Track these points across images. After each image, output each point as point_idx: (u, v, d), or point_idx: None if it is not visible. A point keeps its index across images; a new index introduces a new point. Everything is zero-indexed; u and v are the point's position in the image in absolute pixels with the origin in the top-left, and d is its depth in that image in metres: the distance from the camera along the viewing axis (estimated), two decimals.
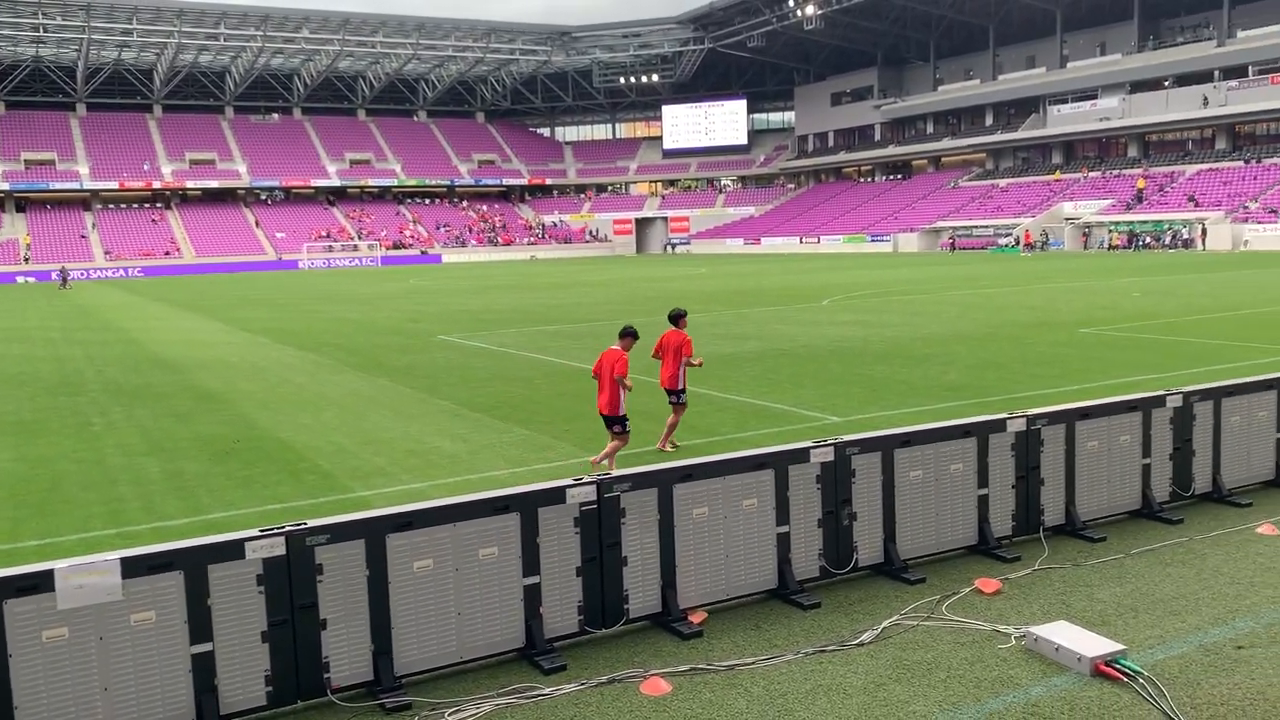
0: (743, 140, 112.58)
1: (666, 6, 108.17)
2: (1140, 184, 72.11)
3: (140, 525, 9.52)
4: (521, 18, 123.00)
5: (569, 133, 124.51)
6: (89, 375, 20.46)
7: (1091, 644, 6.02)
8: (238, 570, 5.67)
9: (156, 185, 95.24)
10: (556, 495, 6.56)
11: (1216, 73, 72.15)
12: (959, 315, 26.40)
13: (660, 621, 6.91)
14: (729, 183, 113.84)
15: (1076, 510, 8.55)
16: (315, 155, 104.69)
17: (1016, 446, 8.25)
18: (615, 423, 10.70)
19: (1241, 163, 70.04)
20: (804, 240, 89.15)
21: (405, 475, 11.08)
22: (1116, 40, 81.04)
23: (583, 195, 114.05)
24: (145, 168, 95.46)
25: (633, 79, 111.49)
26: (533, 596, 6.49)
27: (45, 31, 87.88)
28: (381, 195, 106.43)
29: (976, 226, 77.86)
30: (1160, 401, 8.96)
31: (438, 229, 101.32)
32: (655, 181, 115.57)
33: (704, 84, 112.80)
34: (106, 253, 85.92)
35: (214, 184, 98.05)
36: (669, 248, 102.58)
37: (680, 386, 11.83)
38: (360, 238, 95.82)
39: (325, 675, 5.94)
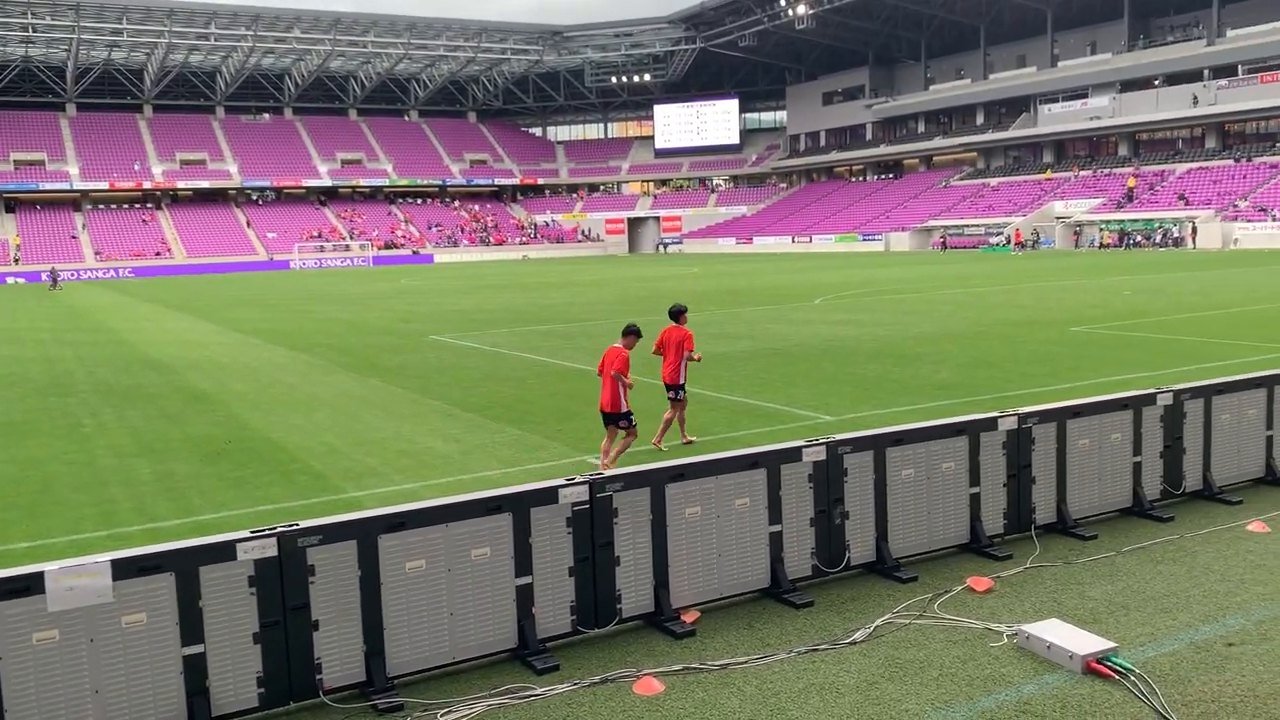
0: (735, 140, 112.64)
1: (658, 6, 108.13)
2: (1131, 183, 72.33)
3: (132, 527, 9.49)
4: (513, 17, 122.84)
5: (561, 132, 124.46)
6: (80, 376, 20.39)
7: (1083, 642, 6.04)
8: (229, 572, 5.66)
9: (147, 185, 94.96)
10: (549, 495, 6.56)
11: (1206, 72, 72.41)
12: (950, 314, 26.45)
13: (653, 621, 6.91)
14: (721, 182, 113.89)
15: (1068, 508, 8.57)
16: (306, 155, 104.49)
17: (1008, 445, 8.27)
18: (620, 419, 10.70)
19: (1231, 161, 70.30)
20: (796, 240, 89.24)
21: (397, 476, 11.06)
22: (1107, 39, 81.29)
23: (575, 195, 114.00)
24: (136, 168, 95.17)
25: (624, 78, 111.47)
26: (525, 597, 6.49)
27: (34, 31, 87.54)
28: (373, 195, 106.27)
29: (968, 225, 78.03)
30: (1151, 399, 8.99)
31: (429, 229, 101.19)
32: (647, 181, 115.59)
33: (696, 83, 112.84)
34: (97, 253, 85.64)
35: (205, 184, 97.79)
36: (661, 247, 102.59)
37: (681, 381, 11.93)
38: (352, 238, 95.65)
39: (317, 676, 5.92)
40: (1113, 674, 5.79)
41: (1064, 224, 72.30)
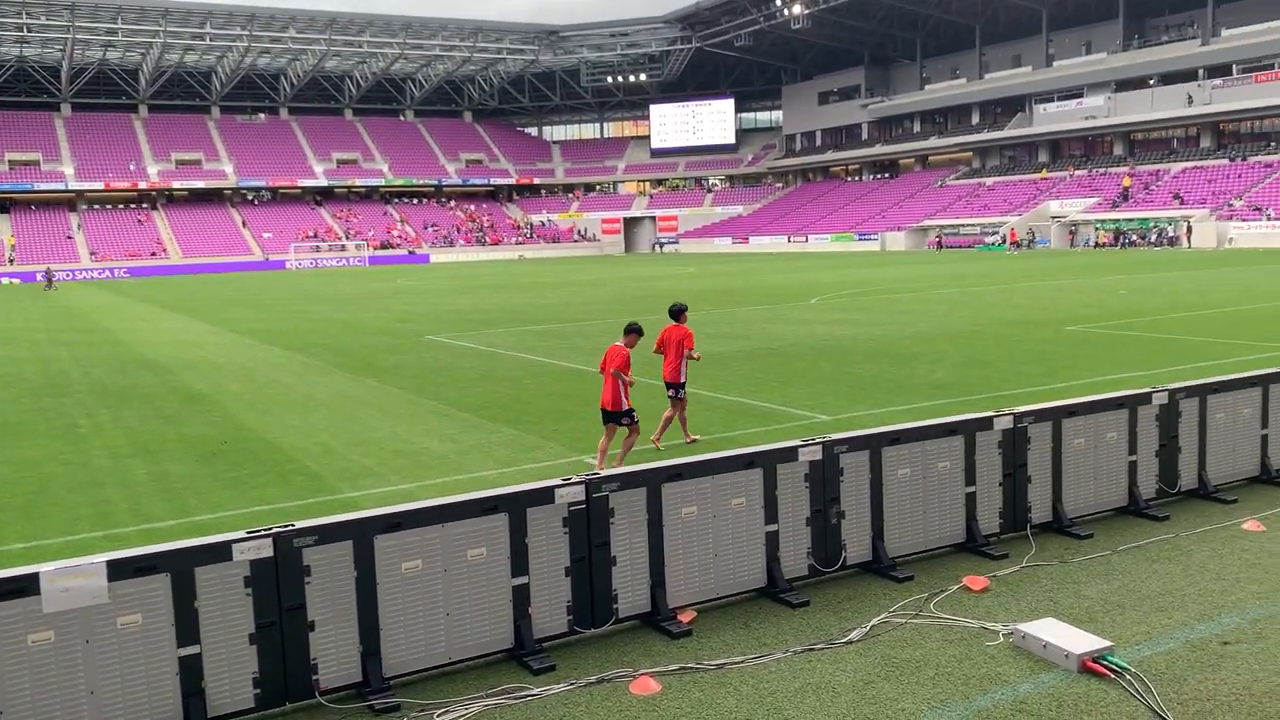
0: (730, 139, 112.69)
1: (653, 6, 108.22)
2: (1126, 182, 72.44)
3: (127, 527, 9.47)
4: (509, 17, 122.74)
5: (557, 132, 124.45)
6: (75, 377, 20.35)
7: (1079, 641, 6.04)
8: (225, 572, 5.65)
9: (142, 186, 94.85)
10: (545, 495, 6.55)
11: (1201, 71, 72.54)
12: (946, 314, 26.47)
13: (649, 621, 6.91)
14: (717, 182, 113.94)
15: (1063, 507, 8.59)
16: (302, 155, 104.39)
17: (1003, 444, 8.28)
18: (621, 417, 10.71)
19: (1226, 161, 70.43)
20: (792, 239, 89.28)
21: (394, 476, 11.06)
22: (1102, 39, 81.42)
23: (571, 195, 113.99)
24: (131, 168, 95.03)
25: (620, 78, 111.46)
26: (521, 597, 6.48)
27: (29, 31, 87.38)
28: (369, 195, 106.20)
29: (963, 225, 78.10)
30: (1146, 399, 9.00)
31: (425, 229, 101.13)
32: (643, 181, 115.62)
33: (691, 83, 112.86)
34: (92, 253, 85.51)
35: (200, 184, 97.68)
36: (657, 247, 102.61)
37: (681, 380, 11.97)
38: (347, 238, 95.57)
39: (313, 677, 5.92)
40: (1108, 673, 5.80)
41: (1059, 223, 72.40)
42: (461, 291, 45.01)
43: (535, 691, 5.96)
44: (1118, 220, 68.88)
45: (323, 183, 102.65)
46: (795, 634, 6.68)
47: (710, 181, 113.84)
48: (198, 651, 5.59)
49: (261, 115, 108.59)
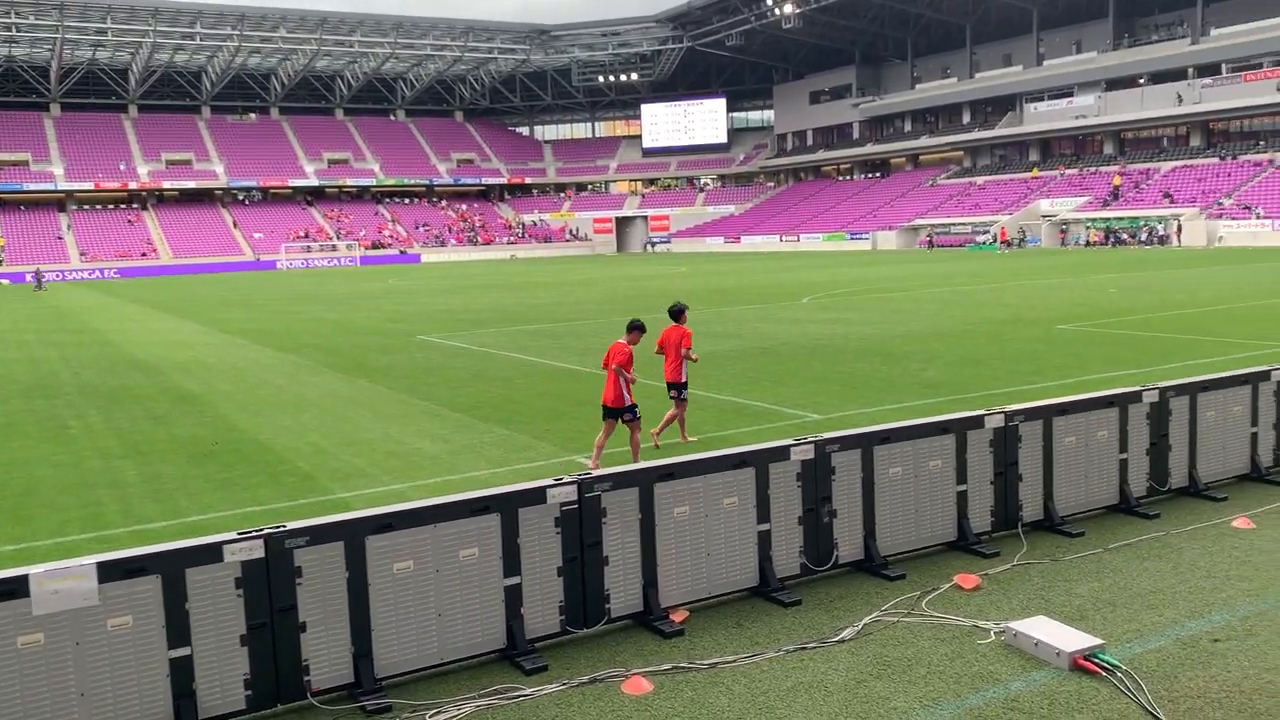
0: (722, 139, 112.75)
1: (645, 5, 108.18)
2: (1116, 181, 72.67)
3: (118, 529, 9.44)
4: (500, 16, 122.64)
5: (548, 131, 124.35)
6: (65, 378, 20.28)
7: (1070, 639, 6.06)
8: (216, 574, 5.63)
9: (132, 186, 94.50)
10: (537, 495, 6.55)
11: (1190, 70, 72.78)
12: (937, 312, 26.53)
13: (642, 620, 6.91)
14: (709, 181, 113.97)
15: (1054, 506, 8.61)
16: (293, 155, 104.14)
17: (995, 443, 8.30)
18: (623, 414, 10.72)
19: (1216, 159, 70.70)
20: (784, 239, 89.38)
21: (385, 476, 11.04)
22: (1092, 38, 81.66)
23: (562, 194, 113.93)
24: (121, 168, 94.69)
25: (612, 78, 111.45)
26: (514, 597, 6.48)
27: (18, 31, 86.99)
28: (360, 195, 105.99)
29: (954, 224, 78.28)
30: (1137, 397, 9.03)
31: (416, 228, 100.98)
32: (635, 180, 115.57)
33: (683, 83, 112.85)
34: (82, 254, 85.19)
35: (191, 184, 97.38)
36: (649, 246, 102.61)
37: (683, 380, 12.00)
38: (339, 238, 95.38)
39: (305, 678, 5.90)
40: (1100, 671, 5.81)
41: (1050, 222, 72.61)
42: (453, 291, 44.96)
43: (528, 692, 5.96)
44: (1108, 219, 69.10)
45: (314, 183, 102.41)
46: (787, 633, 6.69)
47: (702, 181, 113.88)
48: (189, 653, 5.57)
49: (252, 115, 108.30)
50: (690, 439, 12.14)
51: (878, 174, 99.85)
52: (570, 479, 6.70)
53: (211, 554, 5.63)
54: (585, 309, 32.33)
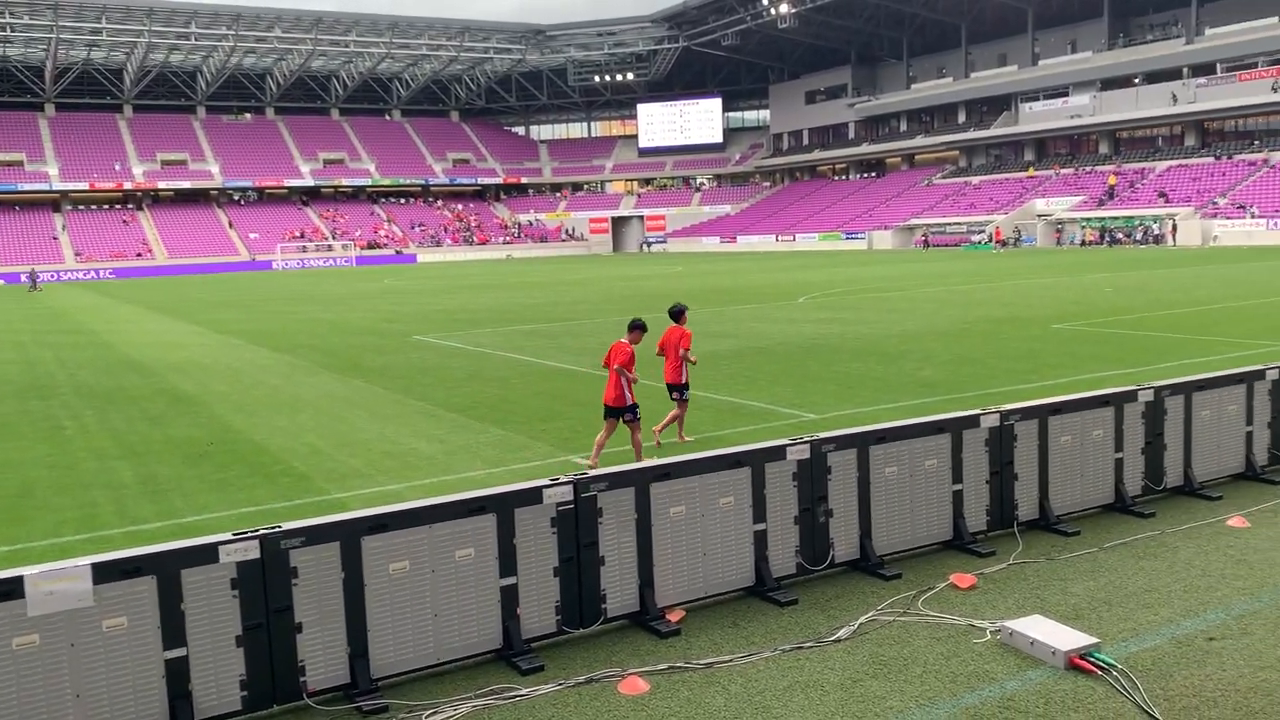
0: (718, 139, 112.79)
1: (640, 5, 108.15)
2: (1111, 180, 72.79)
3: (113, 530, 9.42)
4: (495, 16, 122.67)
5: (544, 131, 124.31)
6: (60, 378, 20.24)
7: (1066, 638, 6.07)
8: (211, 574, 5.63)
9: (128, 186, 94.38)
10: (533, 495, 6.54)
11: (1185, 70, 72.94)
12: (933, 312, 26.55)
13: (638, 620, 6.91)
14: (705, 181, 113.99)
15: (1050, 505, 8.62)
16: (288, 155, 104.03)
17: (990, 442, 8.30)
18: (624, 413, 10.72)
19: (1210, 159, 70.83)
20: (779, 238, 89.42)
21: (381, 477, 11.03)
22: (1087, 38, 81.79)
23: (558, 194, 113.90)
24: (116, 168, 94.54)
25: (608, 77, 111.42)
26: (510, 597, 6.47)
27: (12, 31, 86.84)
28: (355, 195, 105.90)
29: (950, 224, 78.34)
30: (1132, 396, 9.04)
31: (412, 228, 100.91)
32: (631, 180, 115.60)
33: (679, 82, 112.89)
34: (77, 254, 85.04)
35: (186, 184, 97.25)
36: (645, 246, 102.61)
37: (683, 381, 11.99)
38: (334, 238, 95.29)
39: (301, 679, 5.90)
40: (1095, 669, 5.82)
41: (1045, 222, 72.71)
42: (449, 291, 44.93)
43: (524, 692, 5.95)
44: (1103, 218, 69.20)
45: (309, 183, 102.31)
46: (783, 632, 6.69)
47: (698, 181, 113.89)
48: (184, 654, 5.56)
49: (247, 115, 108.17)
50: (687, 439, 12.15)
51: (873, 174, 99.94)
52: (566, 479, 6.70)
53: (207, 555, 5.62)
54: (581, 309, 32.32)
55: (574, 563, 6.67)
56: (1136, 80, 76.35)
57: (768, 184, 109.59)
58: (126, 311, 40.14)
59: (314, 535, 5.90)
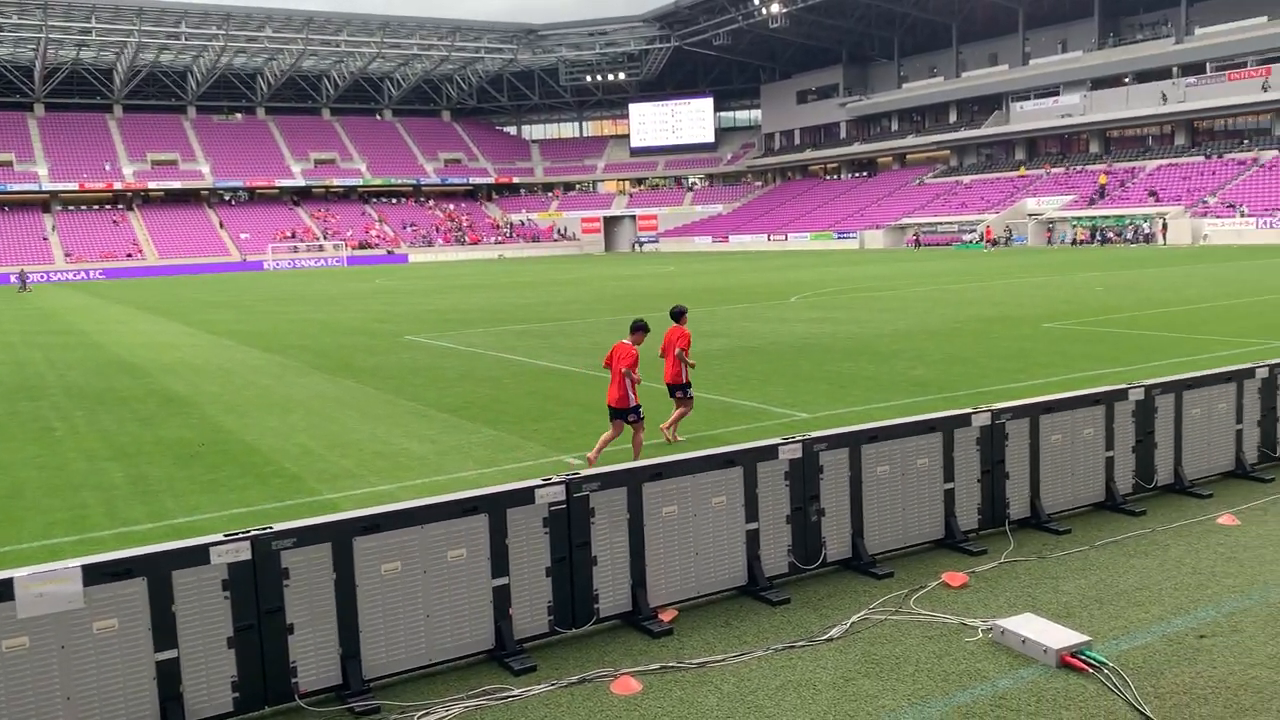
0: (710, 138, 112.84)
1: (632, 5, 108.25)
2: (1102, 179, 72.97)
3: (104, 531, 9.39)
4: (487, 16, 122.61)
5: (536, 131, 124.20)
6: (50, 379, 20.16)
7: (1057, 636, 6.08)
8: (202, 576, 5.61)
9: (118, 186, 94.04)
10: (525, 496, 6.54)
11: (1175, 69, 73.16)
12: (925, 311, 26.59)
13: (630, 620, 6.90)
14: (696, 181, 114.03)
15: (1041, 503, 8.64)
16: (279, 155, 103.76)
17: (982, 441, 8.32)
18: (628, 414, 10.72)
19: (1200, 158, 71.06)
20: (771, 238, 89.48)
21: (373, 477, 11.01)
22: (1077, 37, 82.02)
23: (550, 194, 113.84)
24: (106, 168, 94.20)
25: (599, 77, 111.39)
26: (502, 597, 6.47)
27: (2, 31, 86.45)
28: (347, 195, 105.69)
29: (941, 223, 78.49)
30: (1123, 395, 9.07)
31: (404, 228, 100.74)
32: (623, 180, 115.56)
33: (671, 82, 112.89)
34: (67, 255, 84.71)
35: (176, 185, 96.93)
36: (637, 246, 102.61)
37: (684, 381, 12.02)
38: (325, 238, 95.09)
39: (293, 680, 5.88)
40: (1087, 667, 5.84)
41: (1036, 221, 72.86)
42: (440, 291, 44.87)
43: (516, 692, 5.95)
44: (1094, 217, 69.38)
45: (300, 183, 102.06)
46: (776, 632, 6.69)
47: (690, 180, 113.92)
48: (175, 655, 5.55)
49: (238, 115, 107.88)
50: (679, 439, 12.15)
51: (865, 173, 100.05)
52: (558, 479, 6.69)
53: (198, 556, 5.61)
54: (573, 309, 32.31)
55: (566, 563, 6.66)
56: (1127, 80, 76.59)
57: (759, 183, 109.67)
58: (117, 312, 40.01)
59: (305, 536, 5.89)
